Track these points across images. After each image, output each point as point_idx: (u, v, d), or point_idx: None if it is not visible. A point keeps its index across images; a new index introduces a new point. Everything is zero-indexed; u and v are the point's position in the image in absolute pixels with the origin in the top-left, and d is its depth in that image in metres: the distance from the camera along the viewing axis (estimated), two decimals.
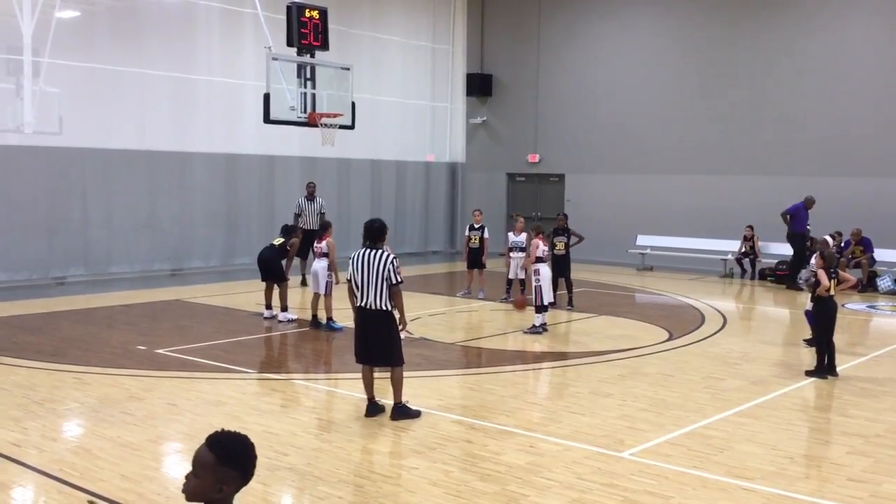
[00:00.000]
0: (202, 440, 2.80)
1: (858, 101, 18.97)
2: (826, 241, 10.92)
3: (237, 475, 2.76)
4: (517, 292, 15.20)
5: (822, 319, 9.92)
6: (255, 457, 2.83)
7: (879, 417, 8.25)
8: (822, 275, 9.79)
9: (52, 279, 16.85)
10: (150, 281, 17.53)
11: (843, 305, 13.57)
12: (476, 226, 16.04)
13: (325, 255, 12.35)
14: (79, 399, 8.54)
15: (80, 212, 17.33)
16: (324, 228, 12.67)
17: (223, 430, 2.84)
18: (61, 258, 17.08)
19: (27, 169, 16.51)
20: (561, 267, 14.86)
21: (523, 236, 14.78)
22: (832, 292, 9.85)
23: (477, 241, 15.88)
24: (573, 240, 15.15)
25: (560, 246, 14.86)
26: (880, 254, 18.01)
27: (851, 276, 10.95)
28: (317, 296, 12.45)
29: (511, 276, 15.31)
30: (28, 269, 16.64)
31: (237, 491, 2.78)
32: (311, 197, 17.34)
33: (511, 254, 15.17)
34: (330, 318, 12.38)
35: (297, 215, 17.04)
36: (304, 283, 16.65)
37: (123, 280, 17.46)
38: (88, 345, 11.28)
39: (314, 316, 12.54)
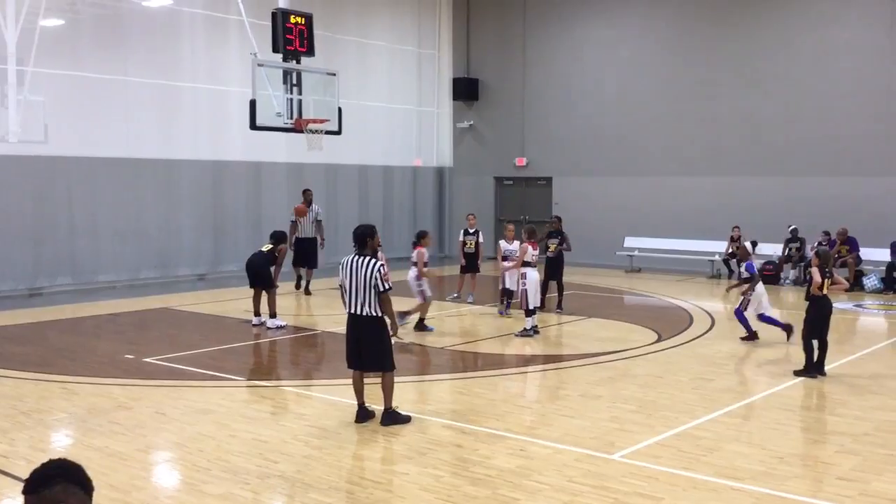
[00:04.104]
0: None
1: (844, 101, 19.07)
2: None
3: (76, 490, 2.43)
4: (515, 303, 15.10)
5: (815, 318, 9.88)
6: (77, 466, 2.49)
7: (867, 416, 8.29)
8: (815, 272, 9.81)
9: (38, 289, 16.76)
10: (138, 289, 17.46)
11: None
12: (470, 230, 15.98)
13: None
14: (66, 409, 8.50)
15: (66, 220, 17.23)
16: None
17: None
18: (47, 267, 16.98)
19: (12, 178, 16.41)
20: (553, 269, 14.83)
21: (516, 244, 14.44)
22: (824, 291, 9.87)
23: (472, 246, 15.80)
24: (564, 245, 15.09)
25: (553, 247, 14.84)
26: (866, 253, 18.10)
27: (844, 280, 10.90)
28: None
29: (508, 285, 14.99)
30: (14, 278, 16.55)
31: None
32: (307, 204, 17.22)
33: (504, 263, 14.42)
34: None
35: (294, 223, 16.87)
36: (297, 286, 16.94)
37: (110, 289, 17.39)
38: (76, 354, 11.22)
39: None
